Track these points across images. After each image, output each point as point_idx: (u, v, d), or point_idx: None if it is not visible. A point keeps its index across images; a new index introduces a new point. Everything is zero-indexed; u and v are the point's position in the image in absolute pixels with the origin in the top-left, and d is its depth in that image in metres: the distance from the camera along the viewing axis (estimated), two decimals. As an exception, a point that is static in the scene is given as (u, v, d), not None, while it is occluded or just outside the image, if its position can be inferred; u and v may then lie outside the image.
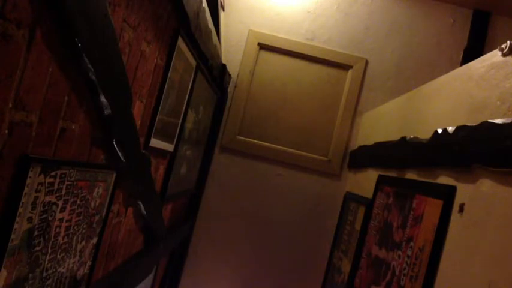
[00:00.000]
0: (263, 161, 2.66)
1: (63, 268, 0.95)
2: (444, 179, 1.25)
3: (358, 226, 2.03)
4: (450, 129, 1.23)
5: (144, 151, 1.31)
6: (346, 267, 2.08)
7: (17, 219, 0.72)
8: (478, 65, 1.23)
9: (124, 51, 1.04)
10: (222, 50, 2.52)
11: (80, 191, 0.94)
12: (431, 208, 1.26)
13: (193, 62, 1.72)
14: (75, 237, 0.98)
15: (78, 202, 0.94)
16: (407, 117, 1.78)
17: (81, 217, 0.98)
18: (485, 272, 0.95)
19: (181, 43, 1.46)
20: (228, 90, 2.65)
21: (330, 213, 2.62)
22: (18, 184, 0.71)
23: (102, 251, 1.22)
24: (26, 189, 0.72)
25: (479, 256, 0.99)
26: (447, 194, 1.18)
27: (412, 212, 1.40)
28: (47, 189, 0.79)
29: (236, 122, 2.65)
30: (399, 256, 1.41)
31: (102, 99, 0.92)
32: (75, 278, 1.03)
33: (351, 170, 2.57)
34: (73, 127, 0.88)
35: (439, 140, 1.30)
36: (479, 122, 1.08)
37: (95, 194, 1.03)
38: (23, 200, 0.72)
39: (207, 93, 2.18)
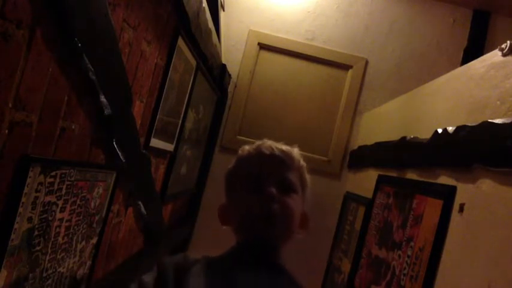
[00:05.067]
0: (263, 161, 2.65)
1: (63, 268, 0.95)
2: (444, 179, 1.25)
3: (358, 226, 2.03)
4: (450, 129, 1.23)
5: (144, 151, 1.31)
6: (346, 267, 2.08)
7: (17, 219, 0.72)
8: (478, 65, 1.23)
9: (124, 51, 1.04)
10: (222, 50, 2.52)
11: (80, 191, 0.94)
12: (431, 208, 1.26)
13: (193, 62, 1.72)
14: (75, 237, 0.98)
15: (78, 202, 0.94)
16: (407, 117, 1.78)
17: (81, 217, 0.98)
18: (485, 271, 0.95)
19: (181, 43, 1.46)
20: (228, 90, 2.65)
21: (329, 213, 2.62)
22: (18, 184, 0.71)
23: (102, 251, 1.22)
24: (26, 189, 0.72)
25: (479, 256, 0.99)
26: (447, 194, 1.18)
27: (412, 212, 1.40)
28: (47, 189, 0.79)
29: (236, 122, 2.65)
30: (399, 256, 1.40)
31: (102, 99, 0.92)
32: (75, 278, 1.03)
33: (351, 170, 2.57)
34: (73, 127, 0.88)
35: (439, 140, 1.30)
36: (479, 122, 1.08)
37: (95, 194, 1.03)
38: (23, 200, 0.72)
39: (207, 93, 2.18)
